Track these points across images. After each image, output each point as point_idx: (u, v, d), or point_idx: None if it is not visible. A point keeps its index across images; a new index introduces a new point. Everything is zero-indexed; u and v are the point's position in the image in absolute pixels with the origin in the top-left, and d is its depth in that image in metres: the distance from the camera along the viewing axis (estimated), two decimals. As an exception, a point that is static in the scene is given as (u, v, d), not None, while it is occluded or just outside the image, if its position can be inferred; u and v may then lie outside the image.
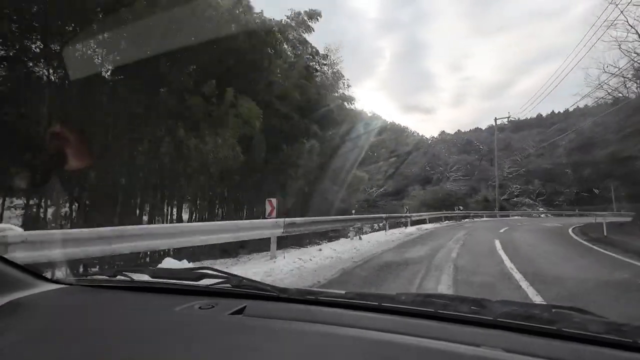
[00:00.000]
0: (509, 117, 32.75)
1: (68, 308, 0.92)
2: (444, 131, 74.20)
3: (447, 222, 19.58)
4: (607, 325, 0.73)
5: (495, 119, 34.33)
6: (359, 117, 17.02)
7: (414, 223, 15.32)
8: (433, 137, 70.84)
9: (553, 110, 77.12)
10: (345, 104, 15.39)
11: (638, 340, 0.65)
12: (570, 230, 13.70)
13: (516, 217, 30.66)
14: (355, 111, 16.51)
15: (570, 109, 71.36)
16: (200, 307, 0.87)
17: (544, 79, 71.85)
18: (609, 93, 18.80)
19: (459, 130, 75.81)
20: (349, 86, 15.72)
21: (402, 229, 12.57)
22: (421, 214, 17.54)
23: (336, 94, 14.68)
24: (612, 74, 17.80)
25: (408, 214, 14.39)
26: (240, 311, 0.84)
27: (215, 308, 0.87)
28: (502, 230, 13.16)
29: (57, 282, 1.09)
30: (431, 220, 17.83)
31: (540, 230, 14.12)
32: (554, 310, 0.88)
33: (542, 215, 37.16)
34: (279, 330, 0.74)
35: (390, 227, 12.51)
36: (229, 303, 0.89)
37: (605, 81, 18.09)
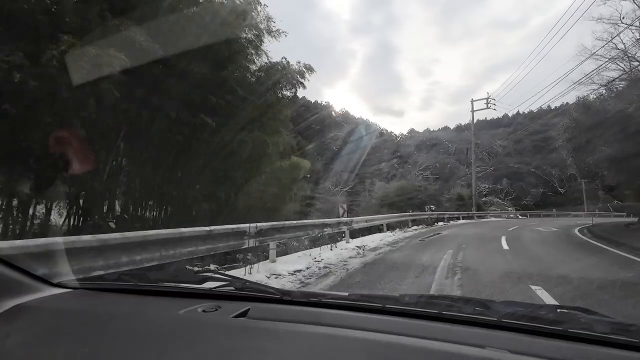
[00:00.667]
0: (488, 99, 27.78)
1: (72, 312, 0.90)
2: (413, 129, 70.27)
3: (414, 228, 13.75)
4: (614, 326, 0.71)
5: (472, 101, 29.15)
6: (290, 72, 10.38)
7: (361, 232, 9.27)
8: (402, 133, 66.50)
9: (519, 111, 76.95)
10: (261, 45, 8.94)
11: None
12: (603, 243, 8.28)
13: (494, 219, 25.92)
14: (285, 65, 9.87)
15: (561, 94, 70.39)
16: (203, 310, 0.86)
17: (505, 85, 73.72)
18: (624, 52, 14.06)
19: (427, 129, 72.31)
20: (269, 19, 9.22)
21: (322, 252, 6.03)
22: (373, 217, 11.29)
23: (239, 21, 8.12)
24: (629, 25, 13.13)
25: (345, 219, 7.92)
26: (243, 314, 0.84)
27: (218, 311, 0.85)
28: (506, 247, 7.48)
29: (60, 286, 1.06)
30: (392, 227, 11.96)
31: (563, 242, 8.60)
32: (559, 310, 0.87)
33: (512, 216, 33.30)
34: (282, 332, 0.73)
35: (302, 249, 6.27)
36: (233, 306, 0.88)
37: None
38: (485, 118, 79.68)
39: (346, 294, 0.97)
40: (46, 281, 1.03)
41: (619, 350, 0.64)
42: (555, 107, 73.82)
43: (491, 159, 64.07)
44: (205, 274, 1.11)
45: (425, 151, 63.04)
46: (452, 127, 77.11)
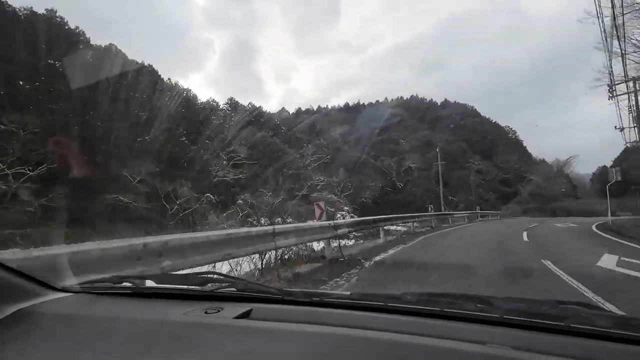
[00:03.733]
0: None
1: (74, 316, 0.89)
2: (238, 102, 49.92)
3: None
4: (616, 320, 0.71)
5: None
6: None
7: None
8: (223, 105, 44.93)
9: (359, 101, 69.56)
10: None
11: None
12: None
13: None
14: None
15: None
16: (206, 312, 0.85)
17: (350, 101, 69.35)
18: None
19: (251, 103, 53.62)
20: None
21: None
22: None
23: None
24: None
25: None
26: (246, 314, 0.83)
27: (221, 312, 0.85)
28: None
29: (62, 290, 1.05)
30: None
31: None
32: (560, 306, 0.87)
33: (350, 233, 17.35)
34: (285, 332, 0.74)
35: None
36: (235, 307, 0.87)
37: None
38: (327, 106, 70.53)
39: (348, 293, 1.00)
40: (48, 285, 1.02)
41: (621, 344, 0.63)
42: (393, 99, 70.07)
43: (330, 145, 50.91)
44: (207, 275, 1.14)
45: (245, 126, 44.26)
46: (291, 112, 62.54)
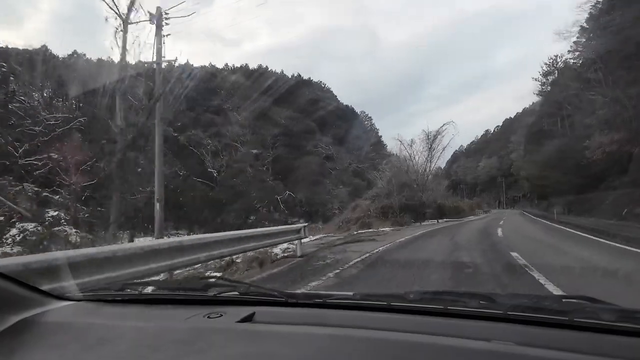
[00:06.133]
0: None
1: (77, 324, 0.89)
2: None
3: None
4: (620, 313, 0.72)
5: None
6: None
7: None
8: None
9: (187, 61, 49.81)
10: None
11: None
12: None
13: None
14: None
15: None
16: (208, 316, 0.85)
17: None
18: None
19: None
20: None
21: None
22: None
23: None
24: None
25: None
26: (248, 318, 0.83)
27: (223, 317, 0.85)
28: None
29: (64, 298, 1.04)
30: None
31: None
32: (563, 300, 0.89)
33: None
34: (288, 335, 0.73)
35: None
36: (237, 311, 0.87)
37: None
38: (138, 61, 48.41)
39: (351, 293, 0.98)
40: (50, 294, 1.02)
41: (626, 337, 0.63)
42: (235, 66, 53.13)
43: (142, 109, 29.04)
44: (208, 280, 1.14)
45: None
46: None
